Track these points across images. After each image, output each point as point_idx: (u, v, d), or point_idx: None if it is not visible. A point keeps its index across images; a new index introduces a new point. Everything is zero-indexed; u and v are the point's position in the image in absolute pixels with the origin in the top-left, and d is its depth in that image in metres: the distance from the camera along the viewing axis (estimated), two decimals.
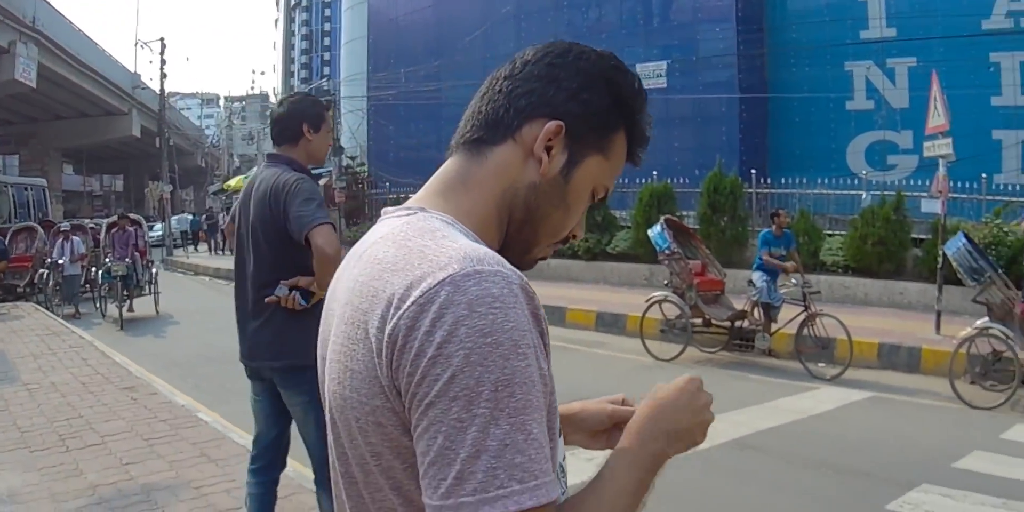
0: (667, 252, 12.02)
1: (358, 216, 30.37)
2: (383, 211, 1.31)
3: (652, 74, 23.54)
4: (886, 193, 17.18)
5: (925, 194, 16.49)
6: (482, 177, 1.28)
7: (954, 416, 9.07)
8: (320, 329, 1.31)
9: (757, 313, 11.84)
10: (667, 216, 13.50)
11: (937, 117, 13.22)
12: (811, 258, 15.88)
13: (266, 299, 3.90)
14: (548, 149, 1.27)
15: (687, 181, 19.53)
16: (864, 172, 19.24)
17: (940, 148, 13.19)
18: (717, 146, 21.51)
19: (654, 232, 12.30)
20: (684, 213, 18.15)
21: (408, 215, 1.22)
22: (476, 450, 0.99)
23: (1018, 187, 17.33)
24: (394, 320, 1.05)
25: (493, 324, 1.02)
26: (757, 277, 11.69)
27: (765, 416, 8.59)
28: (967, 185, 16.78)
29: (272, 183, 3.88)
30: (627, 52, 24.32)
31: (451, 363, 1.00)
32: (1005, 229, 14.91)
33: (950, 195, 13.73)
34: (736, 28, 22.56)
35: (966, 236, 11.16)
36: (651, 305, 12.31)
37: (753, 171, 19.19)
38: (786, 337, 11.66)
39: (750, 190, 18.87)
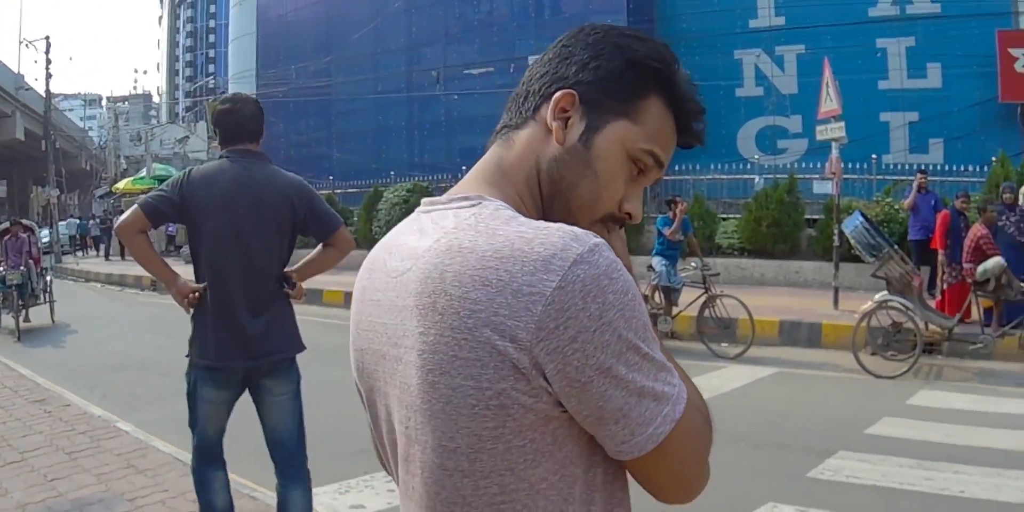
0: None
1: None
2: (424, 201, 1.32)
3: None
4: (778, 176, 17.75)
5: (816, 176, 17.06)
6: (513, 161, 1.30)
7: (860, 386, 9.38)
8: (357, 320, 1.34)
9: (658, 297, 11.93)
10: None
11: (829, 102, 13.61)
12: (707, 242, 16.24)
13: (285, 291, 4.07)
14: (566, 121, 1.27)
15: None
16: (756, 157, 19.89)
17: (833, 131, 13.63)
18: None
19: None
20: None
21: (472, 205, 1.22)
22: (639, 395, 1.12)
23: (906, 166, 18.18)
24: (540, 306, 1.07)
25: (626, 282, 1.11)
26: (657, 262, 11.84)
27: None
28: (858, 166, 17.50)
29: (288, 181, 4.08)
30: (519, 45, 24.51)
31: (613, 325, 1.08)
32: (896, 207, 15.55)
33: (843, 176, 14.20)
34: (627, 19, 22.58)
35: (863, 214, 11.60)
36: None
37: None
38: (688, 319, 11.89)
39: None
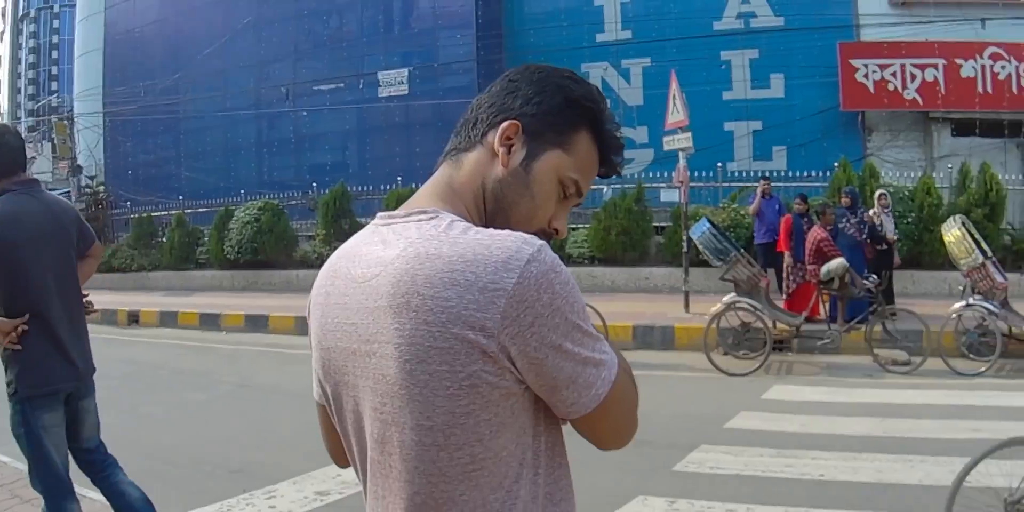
0: None
1: (100, 238, 28.64)
2: (381, 215, 1.53)
3: (394, 81, 23.59)
4: (626, 186, 17.95)
5: (664, 185, 17.38)
6: (463, 180, 1.52)
7: (716, 384, 9.87)
8: (322, 322, 1.52)
9: None
10: None
11: (676, 113, 13.96)
12: (558, 251, 15.95)
13: (93, 308, 4.37)
14: (510, 147, 1.50)
15: None
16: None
17: (680, 142, 13.97)
18: None
19: None
20: None
21: (431, 218, 1.43)
22: (585, 362, 1.38)
23: (751, 173, 18.80)
24: (504, 299, 1.30)
25: (566, 274, 1.36)
26: None
27: None
28: (704, 174, 17.93)
29: (67, 204, 4.40)
30: (368, 60, 24.26)
31: (561, 311, 1.34)
32: (742, 212, 16.03)
33: (690, 184, 14.55)
34: (476, 34, 22.77)
35: (709, 221, 12.12)
36: None
37: None
38: None
39: None
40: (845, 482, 6.01)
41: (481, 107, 1.55)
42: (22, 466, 6.52)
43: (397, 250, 1.38)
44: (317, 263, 19.79)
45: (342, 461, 1.69)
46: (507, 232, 1.36)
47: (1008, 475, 4.58)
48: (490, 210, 1.50)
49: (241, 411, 9.16)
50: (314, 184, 22.28)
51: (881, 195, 13.77)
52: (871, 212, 13.31)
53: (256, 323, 15.38)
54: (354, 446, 1.53)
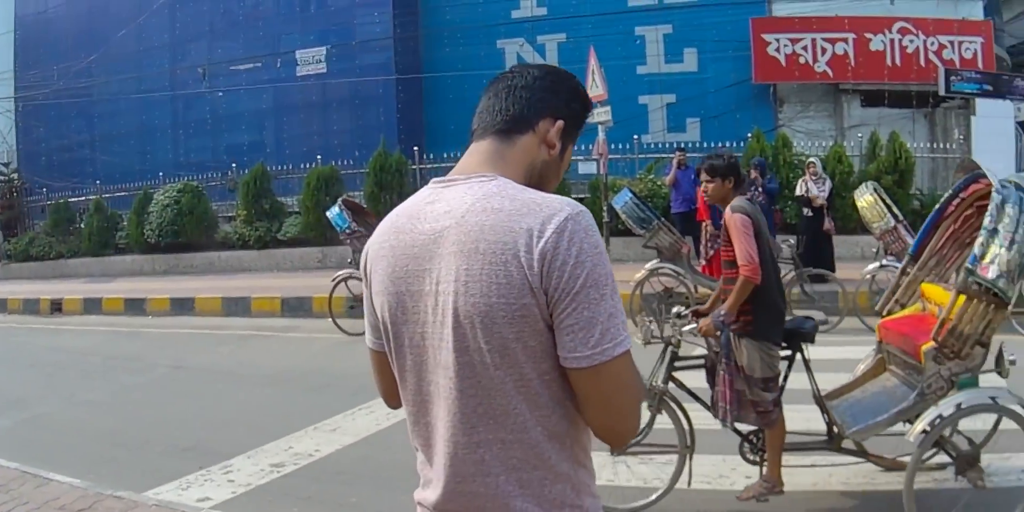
0: (348, 231, 12.12)
1: (16, 226, 27.99)
2: (437, 179, 1.88)
3: (312, 60, 23.40)
4: None
5: (582, 157, 17.52)
6: (514, 155, 1.88)
7: (644, 347, 9.77)
8: (390, 271, 1.82)
9: None
10: (343, 197, 13.60)
11: (595, 88, 14.20)
12: None
13: None
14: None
15: (350, 162, 19.62)
16: None
17: (600, 115, 14.25)
18: (376, 126, 21.81)
19: (333, 213, 12.33)
20: (352, 193, 18.07)
21: (490, 180, 1.78)
22: (609, 315, 1.67)
23: (665, 145, 19.09)
24: (541, 244, 1.63)
25: (598, 240, 1.69)
26: None
27: None
28: (621, 146, 18.21)
29: None
30: (284, 39, 24.03)
31: (586, 265, 1.65)
32: (658, 183, 16.42)
33: (608, 156, 14.74)
34: (392, 11, 22.60)
35: (631, 191, 12.38)
36: (337, 283, 12.45)
37: (416, 148, 19.60)
38: None
39: (414, 166, 19.27)
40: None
41: (532, 97, 1.90)
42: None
43: (467, 205, 1.73)
44: (238, 244, 19.72)
45: (393, 400, 2.03)
46: (557, 195, 1.74)
47: None
48: (534, 184, 1.85)
49: (181, 392, 9.17)
50: (233, 164, 22.06)
51: (810, 163, 14.20)
52: (802, 179, 13.79)
53: (182, 306, 15.36)
54: (411, 378, 1.84)
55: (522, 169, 1.86)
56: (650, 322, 5.44)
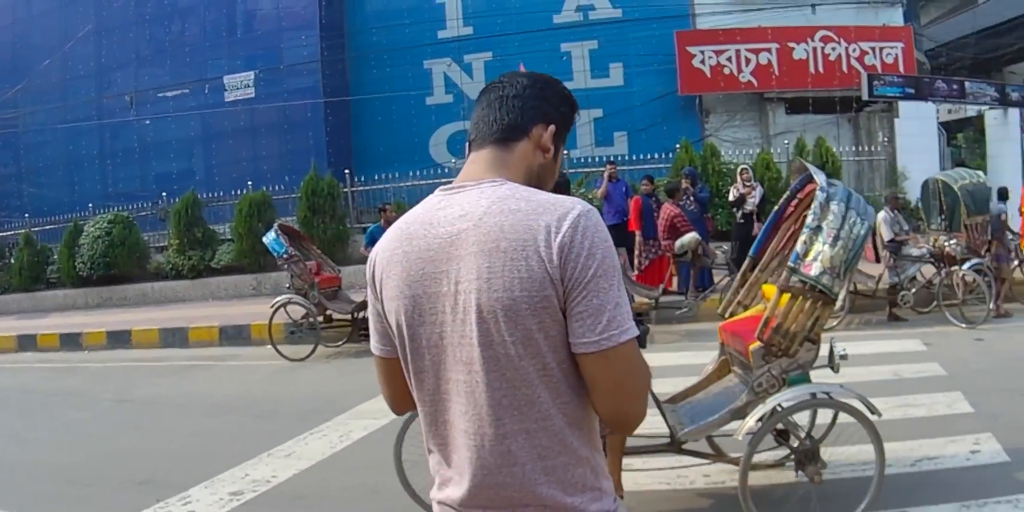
0: (285, 256, 12.09)
1: None
2: (444, 187, 1.99)
3: (240, 85, 23.16)
4: None
5: None
6: (514, 161, 2.02)
7: None
8: (405, 276, 1.91)
9: None
10: (279, 222, 13.56)
11: None
12: None
13: None
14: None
15: (282, 188, 19.50)
16: (453, 161, 20.26)
17: (469, 135, 14.20)
18: (306, 150, 21.61)
19: (269, 239, 12.30)
20: (284, 218, 17.99)
21: (500, 185, 1.91)
22: (616, 303, 1.79)
23: (594, 158, 19.55)
24: (559, 238, 1.76)
25: (607, 235, 1.84)
26: None
27: None
28: None
29: None
30: (211, 65, 23.82)
31: (596, 257, 1.78)
32: (590, 196, 16.29)
33: None
34: (320, 34, 22.54)
35: None
36: (276, 309, 12.32)
37: (347, 171, 19.55)
38: None
39: (345, 189, 19.22)
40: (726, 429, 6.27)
41: (524, 106, 2.04)
42: None
43: (483, 208, 1.84)
44: (172, 274, 19.48)
45: (401, 405, 2.17)
46: (565, 196, 1.89)
47: None
48: (532, 184, 1.98)
49: (129, 425, 9.04)
50: (163, 193, 21.77)
51: (743, 170, 14.61)
52: (734, 186, 14.09)
53: (119, 339, 15.10)
54: (428, 378, 1.94)
55: (522, 173, 2.01)
56: None
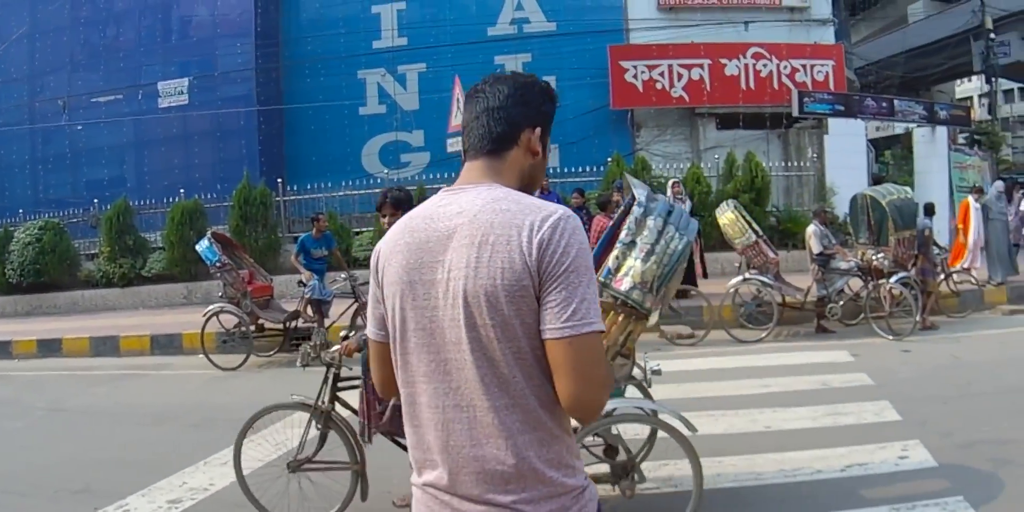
0: (218, 264, 12.00)
1: None
2: (447, 188, 2.20)
3: (174, 92, 23.03)
4: (408, 188, 18.05)
5: (443, 186, 17.59)
6: (507, 169, 2.23)
7: None
8: (404, 264, 2.13)
9: (310, 310, 12.18)
10: (212, 230, 13.48)
11: (460, 116, 14.14)
12: (344, 255, 16.21)
13: None
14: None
15: (214, 196, 19.35)
16: (385, 171, 20.33)
17: (464, 143, 14.20)
18: (238, 159, 21.54)
19: (202, 247, 12.21)
20: (216, 227, 17.88)
21: (495, 188, 2.13)
22: (583, 298, 1.98)
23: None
24: (539, 235, 1.98)
25: (583, 238, 2.04)
26: (307, 277, 12.09)
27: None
28: None
29: None
30: (146, 70, 23.64)
31: (570, 255, 1.99)
32: None
33: None
34: (255, 42, 22.49)
35: None
36: (208, 318, 12.23)
37: (279, 180, 19.46)
38: (339, 329, 12.01)
39: (278, 199, 19.10)
40: (658, 437, 6.36)
41: (509, 115, 2.21)
42: None
43: (478, 207, 2.06)
44: (102, 282, 19.25)
45: (391, 389, 2.30)
46: (552, 203, 2.12)
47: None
48: (525, 183, 2.26)
49: (63, 435, 8.92)
50: (95, 200, 21.46)
51: (675, 183, 14.70)
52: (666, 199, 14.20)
53: (50, 347, 14.86)
54: (413, 359, 2.14)
55: (515, 177, 2.22)
56: (311, 346, 5.77)
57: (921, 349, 10.95)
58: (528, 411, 2.04)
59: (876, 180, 17.20)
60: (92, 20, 25.09)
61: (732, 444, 6.84)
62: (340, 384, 5.72)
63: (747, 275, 12.05)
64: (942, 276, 13.66)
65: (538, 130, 2.24)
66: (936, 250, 13.32)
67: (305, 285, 12.06)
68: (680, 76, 21.52)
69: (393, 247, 2.17)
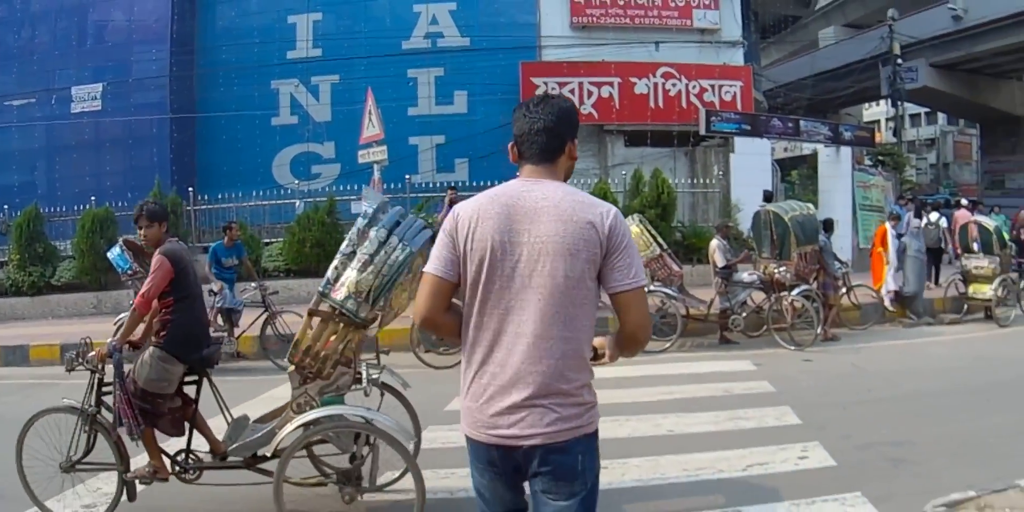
0: (129, 272, 11.73)
1: None
2: (523, 180, 3.02)
3: (87, 97, 22.76)
4: (317, 200, 18.35)
5: (353, 197, 17.80)
6: (557, 171, 3.08)
7: (425, 377, 10.24)
8: (496, 226, 2.91)
9: (220, 320, 12.17)
10: (124, 238, 13.28)
11: (372, 127, 14.47)
12: (254, 265, 16.26)
13: None
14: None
15: (125, 204, 19.02)
16: (296, 182, 20.31)
17: (376, 155, 14.62)
18: (150, 167, 21.26)
19: (114, 254, 11.96)
20: (128, 236, 17.56)
21: (563, 185, 3.03)
22: (637, 265, 2.94)
23: (435, 184, 19.99)
24: (608, 221, 2.87)
25: (628, 224, 3.40)
26: (218, 286, 12.16)
27: (268, 405, 8.86)
28: (392, 186, 18.35)
29: None
30: (60, 74, 23.27)
31: (627, 236, 2.94)
32: (430, 221, 16.48)
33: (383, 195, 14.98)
34: (170, 49, 22.33)
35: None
36: (119, 327, 11.96)
37: (191, 189, 19.31)
38: (251, 339, 12.28)
39: (189, 208, 18.96)
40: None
41: (553, 135, 3.05)
42: None
43: (559, 196, 2.93)
44: (12, 291, 18.81)
45: (429, 322, 3.08)
46: (605, 202, 3.06)
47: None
48: (566, 178, 3.13)
49: None
50: (5, 206, 20.92)
51: None
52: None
53: (11, 354, 14.49)
54: (493, 297, 2.95)
55: (562, 176, 3.11)
56: (74, 353, 5.81)
57: (822, 359, 11.38)
58: (578, 343, 2.97)
59: (766, 197, 17.57)
60: (6, 21, 24.69)
61: (636, 447, 7.12)
62: (104, 388, 5.79)
63: (651, 287, 12.28)
64: (843, 289, 14.05)
65: (575, 141, 3.15)
66: (837, 265, 13.74)
67: (216, 294, 12.08)
68: (590, 93, 22.08)
69: (483, 213, 2.96)
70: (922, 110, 60.49)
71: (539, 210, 2.91)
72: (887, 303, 14.68)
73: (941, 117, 62.95)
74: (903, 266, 14.81)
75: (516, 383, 2.92)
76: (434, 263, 3.03)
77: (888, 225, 15.12)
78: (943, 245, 18.86)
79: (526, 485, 3.12)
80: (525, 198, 2.94)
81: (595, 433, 3.08)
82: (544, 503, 3.02)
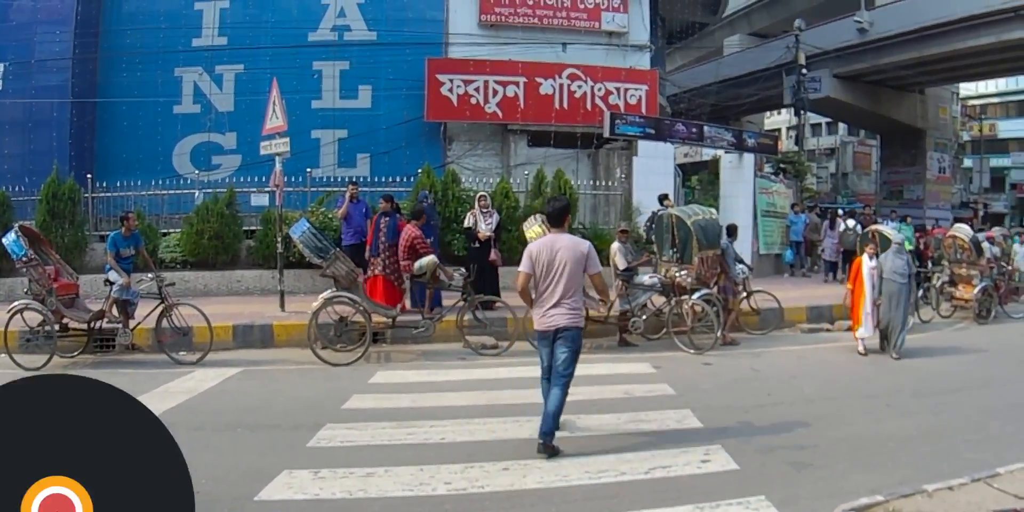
0: (24, 259, 11.57)
1: None
2: (554, 233, 7.71)
3: None
4: (217, 191, 18.31)
5: (254, 189, 17.85)
6: (565, 228, 7.77)
7: (323, 374, 10.73)
8: (548, 256, 7.41)
9: (115, 310, 12.00)
10: (20, 223, 13.02)
11: (275, 119, 14.46)
12: (151, 256, 16.14)
13: None
14: None
15: (22, 189, 18.70)
16: (196, 172, 20.19)
17: (278, 146, 14.55)
18: (48, 152, 20.68)
19: (9, 240, 11.74)
20: (23, 221, 17.31)
21: (569, 235, 7.63)
22: (595, 263, 7.57)
23: (336, 178, 19.79)
24: (586, 249, 7.43)
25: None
26: (115, 276, 11.98)
27: (163, 399, 9.12)
28: (293, 179, 18.41)
29: None
30: None
31: (594, 256, 7.55)
32: (330, 215, 17.12)
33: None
34: (74, 31, 21.72)
35: (308, 221, 12.78)
36: (13, 315, 11.64)
37: (89, 176, 18.96)
38: (146, 331, 12.16)
39: (87, 195, 18.59)
40: (465, 441, 7.54)
41: (564, 214, 7.76)
42: None
43: (568, 240, 7.47)
44: None
45: (525, 294, 7.64)
46: (580, 238, 7.82)
47: None
48: (568, 230, 7.90)
49: None
50: None
51: (481, 197, 15.15)
52: (471, 212, 14.90)
53: None
54: (547, 281, 7.40)
55: (567, 230, 7.65)
56: None
57: (722, 362, 11.76)
58: (576, 291, 7.41)
59: (661, 199, 17.85)
60: None
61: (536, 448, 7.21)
62: None
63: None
64: (743, 294, 14.44)
65: (569, 216, 7.68)
66: (739, 269, 14.11)
67: (112, 284, 11.98)
68: (495, 92, 22.29)
69: (542, 249, 7.38)
70: (824, 120, 61.98)
71: (560, 247, 7.32)
72: (861, 348, 12.62)
73: (842, 127, 64.68)
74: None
75: (557, 308, 7.33)
76: (524, 266, 7.43)
77: (865, 257, 12.91)
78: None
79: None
80: (555, 242, 7.37)
81: (582, 326, 7.52)
82: (559, 350, 7.33)
